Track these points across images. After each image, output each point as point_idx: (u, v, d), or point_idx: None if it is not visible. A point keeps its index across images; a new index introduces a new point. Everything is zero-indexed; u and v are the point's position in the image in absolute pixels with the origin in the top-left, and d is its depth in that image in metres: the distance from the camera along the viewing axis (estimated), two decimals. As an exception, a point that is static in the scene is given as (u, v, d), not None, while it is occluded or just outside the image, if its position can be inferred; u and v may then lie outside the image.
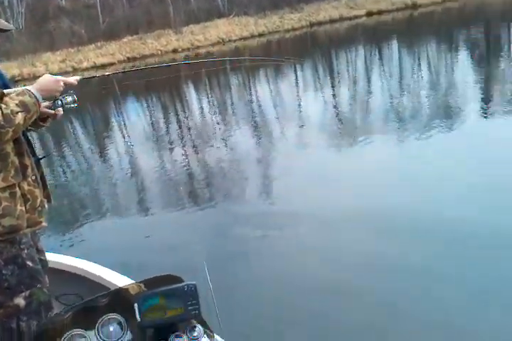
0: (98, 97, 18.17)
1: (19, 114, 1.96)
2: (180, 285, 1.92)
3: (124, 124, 13.82)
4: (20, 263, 2.07)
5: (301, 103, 11.94)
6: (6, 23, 2.16)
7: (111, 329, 1.92)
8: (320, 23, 32.58)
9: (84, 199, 7.68)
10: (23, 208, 2.07)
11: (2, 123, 1.91)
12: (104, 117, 16.09)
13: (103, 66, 29.39)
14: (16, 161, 2.07)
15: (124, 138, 11.81)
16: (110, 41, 33.08)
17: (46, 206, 2.26)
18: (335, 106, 10.83)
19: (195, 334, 1.89)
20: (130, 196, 7.26)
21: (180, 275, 2.04)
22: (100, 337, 1.89)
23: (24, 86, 2.13)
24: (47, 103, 2.21)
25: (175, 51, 31.01)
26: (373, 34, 25.09)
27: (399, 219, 4.70)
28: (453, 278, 3.67)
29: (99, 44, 32.79)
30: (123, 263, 4.01)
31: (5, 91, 2.05)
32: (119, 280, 2.50)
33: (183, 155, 8.93)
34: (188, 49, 31.17)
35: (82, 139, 13.05)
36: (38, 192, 2.15)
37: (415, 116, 8.82)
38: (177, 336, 1.87)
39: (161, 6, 35.94)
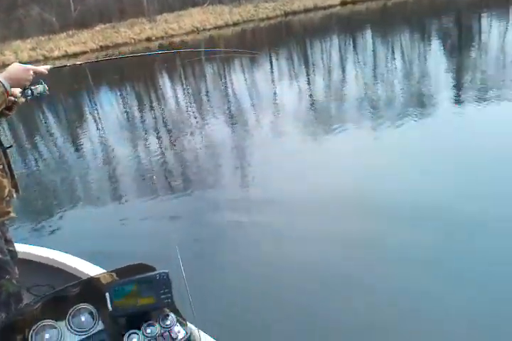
0: (71, 86, 17.83)
1: (-14, 103, 1.91)
2: (152, 273, 1.91)
3: (97, 113, 13.61)
4: (-13, 254, 2.03)
5: (276, 92, 11.92)
6: None
7: (82, 319, 1.90)
8: (294, 13, 32.53)
9: (56, 188, 7.57)
10: (-10, 198, 2.03)
11: None
12: (77, 106, 15.80)
13: (75, 55, 28.84)
14: (-18, 151, 2.02)
15: (96, 127, 11.64)
16: (82, 29, 32.45)
17: (14, 196, 2.21)
18: (310, 95, 10.85)
19: (168, 322, 1.89)
20: (103, 185, 7.17)
21: (154, 264, 2.03)
22: (71, 328, 1.87)
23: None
24: (18, 91, 2.15)
25: (148, 40, 30.61)
26: (347, 23, 25.16)
27: (376, 204, 4.81)
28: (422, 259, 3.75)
29: (70, 32, 32.14)
30: (95, 252, 3.96)
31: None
32: (91, 270, 2.47)
33: (156, 143, 8.85)
34: (162, 37, 30.79)
35: (54, 128, 12.81)
36: (5, 182, 2.11)
37: (389, 105, 8.91)
38: (149, 325, 1.86)
39: (134, -7, 35.38)
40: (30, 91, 2.16)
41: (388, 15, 25.89)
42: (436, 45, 14.96)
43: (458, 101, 8.37)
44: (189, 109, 11.89)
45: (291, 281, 3.68)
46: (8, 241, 2.25)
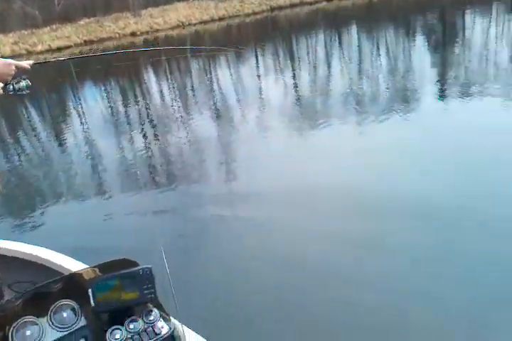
0: (54, 80, 17.61)
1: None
2: (135, 268, 1.90)
3: (81, 108, 13.46)
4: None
5: (262, 87, 11.90)
6: None
7: (64, 315, 1.88)
8: (280, 8, 32.44)
9: (39, 184, 7.49)
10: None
11: None
12: (60, 101, 15.63)
13: (59, 49, 28.47)
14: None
15: (80, 121, 11.52)
16: (66, 24, 32.03)
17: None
18: (295, 91, 10.86)
19: (151, 318, 1.88)
20: (87, 180, 7.11)
21: (137, 259, 2.02)
22: (53, 324, 1.85)
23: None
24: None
25: (133, 34, 30.32)
26: (333, 19, 25.17)
27: (355, 197, 4.90)
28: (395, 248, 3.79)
29: (54, 26, 31.71)
30: (78, 248, 3.93)
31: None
32: (74, 266, 2.45)
33: (141, 138, 8.79)
34: (147, 32, 30.52)
35: (36, 123, 12.67)
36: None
37: (374, 100, 8.97)
38: (132, 320, 1.85)
39: (119, -13, 34.97)
40: (12, 87, 2.13)
41: (374, 11, 25.93)
42: (420, 41, 15.06)
43: (441, 96, 8.47)
44: (174, 104, 11.83)
45: (274, 275, 3.69)
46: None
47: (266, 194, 5.31)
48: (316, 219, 4.63)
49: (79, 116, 12.50)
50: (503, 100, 7.54)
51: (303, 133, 7.62)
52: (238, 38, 24.07)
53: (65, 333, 1.85)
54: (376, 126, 7.21)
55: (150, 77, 17.55)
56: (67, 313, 1.88)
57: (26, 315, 1.83)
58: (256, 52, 18.03)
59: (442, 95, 8.52)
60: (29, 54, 27.49)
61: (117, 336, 1.79)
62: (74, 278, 1.99)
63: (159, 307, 1.95)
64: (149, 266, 1.90)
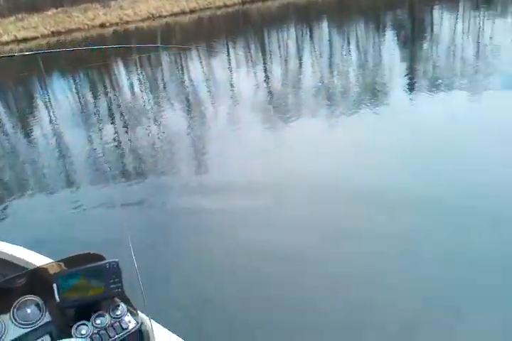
0: (20, 73, 17.16)
1: None
2: (101, 262, 1.87)
3: (48, 101, 13.15)
4: None
5: (233, 81, 11.85)
6: None
7: (28, 311, 1.84)
8: (252, 1, 32.24)
9: (3, 176, 7.29)
10: None
11: None
12: (27, 94, 15.24)
13: (25, 40, 27.70)
14: None
15: (48, 114, 11.26)
16: (32, 13, 31.14)
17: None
18: (266, 84, 10.85)
19: (119, 312, 1.85)
20: (54, 173, 6.97)
21: (105, 253, 1.98)
22: (16, 321, 1.80)
23: None
24: None
25: (102, 26, 29.72)
26: (304, 13, 25.20)
27: (329, 185, 4.99)
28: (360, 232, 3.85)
29: (20, 16, 30.79)
30: (43, 241, 3.87)
31: None
32: (38, 260, 2.39)
33: (109, 131, 8.65)
34: (117, 24, 29.95)
35: (1, 115, 12.32)
36: None
37: (344, 93, 9.04)
38: (99, 315, 1.83)
39: (87, -23, 34.19)
40: None
41: (344, 6, 26.07)
42: (390, 36, 15.22)
43: (410, 89, 8.63)
44: (144, 98, 11.66)
45: (245, 268, 3.68)
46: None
47: (235, 185, 5.33)
48: (284, 209, 4.69)
49: (46, 108, 12.22)
50: (469, 93, 7.79)
51: (273, 125, 7.64)
52: (209, 31, 23.89)
53: (29, 330, 1.81)
54: (345, 119, 7.34)
55: (120, 70, 17.26)
56: (31, 309, 1.84)
57: None
58: (227, 45, 17.94)
59: (411, 89, 8.69)
60: (-7, 44, 26.72)
61: (83, 331, 1.76)
62: (38, 272, 1.95)
63: (127, 301, 1.92)
64: (116, 260, 1.87)
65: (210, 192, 5.31)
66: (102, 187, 5.98)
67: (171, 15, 31.14)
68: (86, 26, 29.75)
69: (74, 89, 14.46)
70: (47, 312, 1.86)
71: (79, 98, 13.02)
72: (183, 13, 31.50)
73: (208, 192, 5.33)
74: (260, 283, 3.46)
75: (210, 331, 3.01)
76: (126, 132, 8.57)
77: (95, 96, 12.70)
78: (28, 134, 9.53)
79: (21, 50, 22.64)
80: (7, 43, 27.12)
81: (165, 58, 17.11)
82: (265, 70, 12.71)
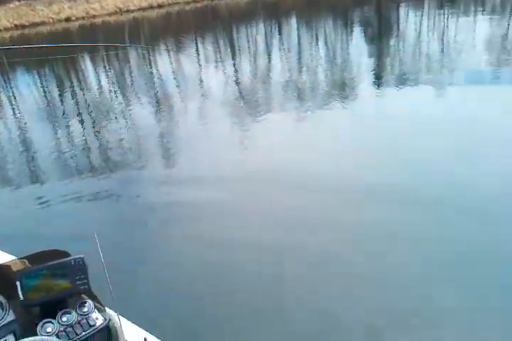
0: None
1: None
2: (66, 259, 1.83)
3: (13, 95, 12.82)
4: None
5: (201, 77, 11.79)
6: None
7: (-10, 310, 1.79)
8: (221, -4, 32.15)
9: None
10: None
11: None
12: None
13: (-14, 33, 26.92)
14: None
15: (12, 108, 10.97)
16: (-6, 6, 30.28)
17: None
18: (235, 80, 10.83)
19: (85, 309, 1.82)
20: (19, 168, 6.79)
21: (71, 248, 1.94)
22: (-23, 320, 1.75)
23: None
24: None
25: (68, 20, 29.09)
26: (273, 9, 25.25)
27: (302, 178, 5.09)
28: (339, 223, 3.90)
29: (-20, 9, 29.90)
30: (6, 237, 3.75)
31: None
32: (0, 258, 2.33)
33: (77, 126, 8.48)
34: (83, 18, 29.36)
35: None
36: None
37: (312, 89, 9.12)
38: (65, 313, 1.79)
39: (51, -30, 33.36)
40: None
41: (313, 2, 26.22)
42: (357, 32, 15.41)
43: (377, 84, 8.82)
44: (112, 94, 11.48)
45: (214, 262, 3.67)
46: None
47: (203, 179, 5.32)
48: (257, 200, 4.74)
49: (10, 102, 11.90)
50: (433, 88, 8.05)
51: (241, 120, 7.65)
52: (178, 27, 23.68)
53: None
54: (313, 113, 7.43)
55: (87, 65, 16.94)
56: (-7, 308, 1.79)
57: None
58: (196, 40, 17.82)
59: (377, 83, 8.88)
60: (-47, 38, 25.83)
61: (49, 329, 1.72)
62: (0, 270, 1.90)
63: (94, 298, 1.89)
64: (81, 256, 1.84)
65: (178, 186, 5.29)
66: (69, 183, 5.86)
67: (139, 9, 30.72)
68: (51, 20, 29.05)
69: (35, 84, 14.12)
70: (10, 311, 1.81)
71: (40, 93, 12.72)
72: (151, 7, 31.12)
73: (176, 185, 5.31)
74: (232, 277, 3.46)
75: (180, 326, 2.99)
76: (93, 127, 8.43)
77: (59, 91, 12.43)
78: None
79: (-17, 44, 21.93)
80: (-32, 36, 26.30)
81: (133, 54, 16.88)
82: (234, 66, 12.69)
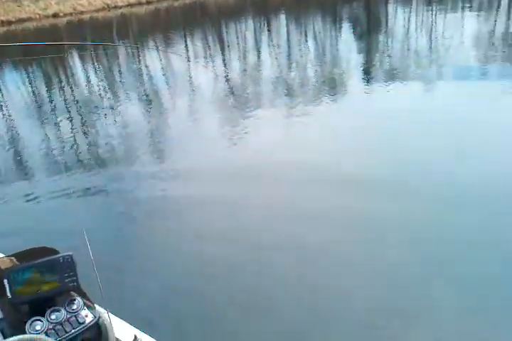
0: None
1: None
2: (55, 256, 1.82)
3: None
4: None
5: (190, 73, 11.74)
6: None
7: (-22, 309, 1.77)
8: (210, -8, 32.03)
9: None
10: None
11: None
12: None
13: (-28, 29, 26.58)
14: None
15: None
16: (-21, 2, 29.91)
17: None
18: (225, 76, 10.80)
19: (75, 307, 1.81)
20: (7, 164, 6.71)
21: (60, 245, 1.93)
22: (-35, 319, 1.74)
23: None
24: None
25: (56, 16, 28.81)
26: (262, 6, 25.20)
27: (287, 171, 5.14)
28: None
29: (-34, 4, 29.53)
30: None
31: None
32: None
33: (66, 123, 8.39)
34: (71, 14, 29.10)
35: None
36: None
37: (302, 85, 9.13)
38: (54, 310, 1.78)
39: (38, -35, 33.00)
40: None
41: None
42: (346, 28, 15.44)
43: (367, 80, 8.88)
44: (99, 91, 11.39)
45: (206, 259, 3.66)
46: None
47: (192, 175, 5.32)
48: (243, 194, 4.73)
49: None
50: (422, 83, 8.17)
51: (230, 115, 7.64)
52: (166, 23, 23.57)
53: None
54: (303, 109, 7.43)
55: (75, 61, 16.81)
56: (-20, 306, 1.78)
57: None
58: (185, 37, 17.75)
59: (366, 79, 8.95)
60: None
61: (38, 327, 1.71)
62: (-12, 268, 1.88)
63: (83, 295, 1.88)
64: (70, 254, 1.82)
65: (167, 182, 5.28)
66: (58, 179, 5.80)
67: (127, 5, 30.54)
68: (38, 16, 28.77)
69: (21, 82, 13.99)
70: (-1, 309, 1.80)
71: (26, 91, 12.61)
72: (140, 3, 30.95)
73: (164, 181, 5.29)
74: (222, 279, 3.45)
75: (171, 323, 2.99)
76: (82, 124, 8.36)
77: (45, 89, 12.32)
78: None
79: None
80: (-47, 32, 25.96)
81: (121, 51, 16.78)
82: (223, 62, 12.66)
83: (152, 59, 14.82)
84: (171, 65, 13.63)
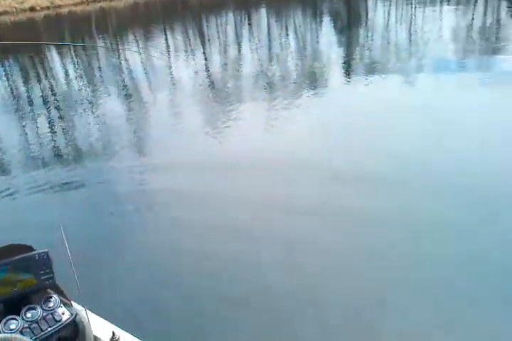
0: None
1: None
2: (30, 253, 1.79)
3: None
4: None
5: (171, 67, 11.66)
6: None
7: (-50, 308, 1.74)
8: (190, -14, 31.78)
9: None
10: None
11: None
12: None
13: None
14: None
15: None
16: (-47, -5, 29.22)
17: None
18: (205, 70, 10.74)
19: (51, 304, 1.78)
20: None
21: (35, 243, 1.90)
22: None
23: None
24: None
25: (33, 10, 28.28)
26: (243, 0, 25.10)
27: (266, 163, 5.18)
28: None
29: None
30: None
31: None
32: None
33: (44, 118, 8.28)
34: (48, 8, 28.61)
35: None
36: None
37: (283, 79, 9.12)
38: (30, 309, 1.75)
39: (13, -42, 32.36)
40: None
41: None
42: (327, 22, 15.47)
43: (347, 74, 8.93)
44: (81, 86, 11.24)
45: (181, 255, 3.64)
46: None
47: (170, 168, 5.29)
48: (215, 187, 4.74)
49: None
50: (402, 76, 8.24)
51: (211, 109, 7.61)
52: (146, 17, 23.34)
53: None
54: (283, 103, 7.41)
55: (53, 55, 16.56)
56: (-47, 306, 1.74)
57: None
58: (165, 30, 17.60)
59: (347, 72, 9.00)
60: None
61: (12, 326, 1.69)
62: (-39, 266, 1.84)
63: (60, 292, 1.86)
64: (46, 250, 1.80)
65: (144, 174, 5.25)
66: (35, 175, 5.70)
67: (106, -1, 30.16)
68: (14, 9, 28.22)
69: None
70: (-28, 309, 1.76)
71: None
72: (119, -3, 30.57)
73: (142, 174, 5.25)
74: (202, 278, 3.43)
75: (149, 319, 2.97)
76: (62, 118, 8.24)
77: (20, 86, 12.13)
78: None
79: None
80: None
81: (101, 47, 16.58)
82: (204, 55, 12.59)
83: (132, 54, 14.66)
84: (150, 60, 13.50)
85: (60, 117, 8.42)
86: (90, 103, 8.98)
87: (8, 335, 1.57)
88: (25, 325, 1.70)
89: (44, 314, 1.75)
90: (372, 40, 11.98)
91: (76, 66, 14.06)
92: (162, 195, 4.69)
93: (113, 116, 7.85)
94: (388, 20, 14.51)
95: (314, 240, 3.64)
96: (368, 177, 4.57)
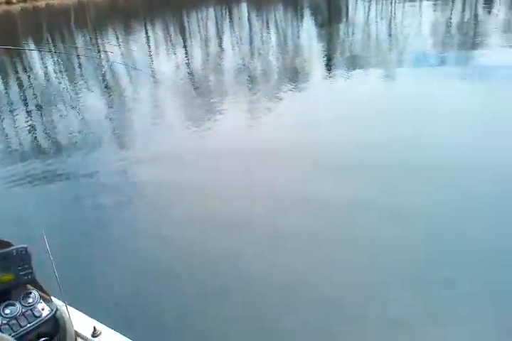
0: None
1: None
2: (8, 249, 1.76)
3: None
4: None
5: (152, 63, 11.56)
6: None
7: None
8: (170, -20, 31.50)
9: None
10: None
11: None
12: None
13: None
14: None
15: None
16: None
17: None
18: (186, 65, 10.69)
19: (31, 300, 1.76)
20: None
21: (13, 238, 1.87)
22: None
23: None
24: None
25: (9, 3, 27.78)
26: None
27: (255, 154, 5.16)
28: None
29: None
30: None
31: None
32: None
33: (23, 115, 8.15)
34: (25, 1, 28.11)
35: None
36: None
37: (264, 74, 9.12)
38: (8, 305, 1.72)
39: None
40: None
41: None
42: (308, 17, 15.50)
43: (328, 69, 8.96)
44: (61, 83, 11.08)
45: (164, 249, 3.62)
46: None
47: (153, 161, 5.25)
48: (198, 180, 4.72)
49: None
50: (383, 70, 8.33)
51: (193, 105, 7.58)
52: (125, 11, 23.08)
53: None
54: (265, 96, 7.44)
55: (33, 52, 16.30)
56: None
57: None
58: (145, 26, 17.44)
59: (328, 67, 9.05)
60: None
61: (-10, 323, 1.66)
62: None
63: (39, 288, 1.83)
64: (24, 246, 1.77)
65: (125, 168, 5.21)
66: (13, 169, 5.59)
67: (84, -8, 29.73)
68: (-10, 3, 27.68)
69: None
70: (-51, 305, 1.73)
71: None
72: (97, -10, 30.17)
73: (124, 170, 5.21)
74: (181, 268, 3.42)
75: (130, 313, 2.95)
76: (42, 114, 8.12)
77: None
78: None
79: None
80: None
81: (80, 43, 16.37)
82: (185, 50, 12.51)
83: (112, 48, 14.51)
84: (132, 55, 13.38)
85: (37, 112, 8.31)
86: (70, 99, 8.88)
87: (-14, 332, 1.55)
88: (4, 322, 1.67)
89: (23, 310, 1.72)
90: (353, 34, 12.05)
91: (53, 59, 13.87)
92: (142, 187, 4.66)
93: (92, 112, 7.76)
94: (369, 15, 14.60)
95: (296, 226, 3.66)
96: (347, 165, 4.62)
